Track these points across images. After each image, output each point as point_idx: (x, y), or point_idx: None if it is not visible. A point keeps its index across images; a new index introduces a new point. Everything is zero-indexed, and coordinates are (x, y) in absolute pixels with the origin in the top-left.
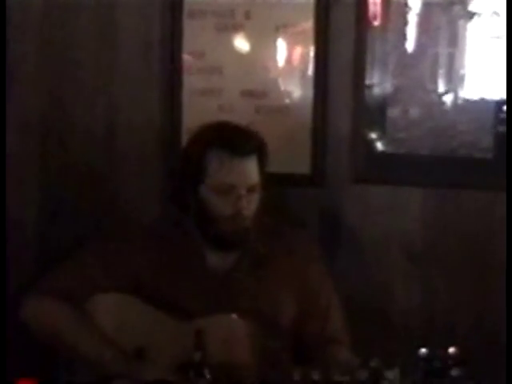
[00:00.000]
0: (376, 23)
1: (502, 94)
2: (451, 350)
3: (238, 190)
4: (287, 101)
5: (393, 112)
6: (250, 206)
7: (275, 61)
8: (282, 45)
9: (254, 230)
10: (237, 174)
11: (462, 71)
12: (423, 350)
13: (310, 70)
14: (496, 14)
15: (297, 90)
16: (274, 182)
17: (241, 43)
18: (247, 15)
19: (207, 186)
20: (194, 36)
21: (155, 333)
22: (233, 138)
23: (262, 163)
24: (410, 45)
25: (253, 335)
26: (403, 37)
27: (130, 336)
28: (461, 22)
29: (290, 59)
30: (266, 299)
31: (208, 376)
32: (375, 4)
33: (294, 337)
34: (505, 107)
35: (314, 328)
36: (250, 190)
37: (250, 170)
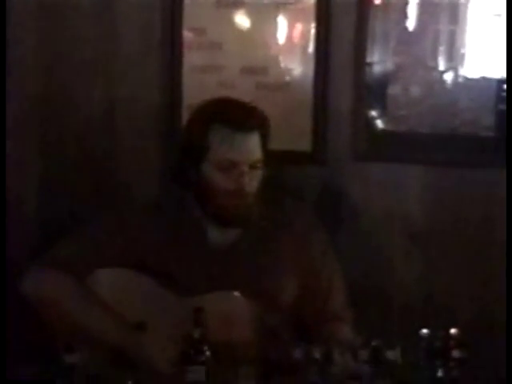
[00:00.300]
0: (377, 1)
1: (503, 72)
2: (452, 330)
3: (241, 167)
4: (288, 78)
5: (394, 90)
6: (253, 182)
7: (276, 37)
8: (282, 22)
9: (256, 207)
10: (239, 150)
11: (463, 49)
12: (424, 331)
13: (311, 47)
14: None
15: (297, 67)
16: (274, 160)
17: (241, 20)
18: None
19: (209, 163)
20: (195, 12)
21: (156, 308)
22: (235, 114)
23: (264, 140)
24: (410, 22)
25: (253, 312)
26: (404, 14)
27: (130, 311)
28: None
29: (290, 36)
30: (268, 276)
31: (208, 353)
32: None
33: (295, 314)
34: None
35: (315, 304)
36: (253, 166)
37: (253, 146)
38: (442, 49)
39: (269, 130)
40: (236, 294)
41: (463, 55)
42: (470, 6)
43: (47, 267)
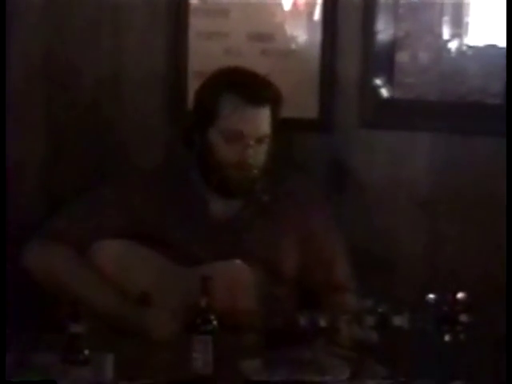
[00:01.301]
0: None
1: None
2: (460, 295)
3: (247, 139)
4: (294, 45)
5: (401, 57)
6: (258, 156)
7: (282, 4)
8: None
9: (260, 180)
10: (248, 122)
11: (470, 16)
12: (431, 296)
13: (318, 14)
14: None
15: (304, 33)
16: (280, 127)
17: None
18: None
19: (216, 130)
20: None
21: (160, 278)
22: (250, 86)
23: (274, 115)
24: None
25: (257, 281)
26: None
27: (134, 282)
28: None
29: (297, 3)
30: (270, 246)
31: (215, 322)
32: None
33: (299, 284)
34: None
35: (319, 275)
36: (259, 140)
37: (262, 120)
38: (450, 16)
39: (280, 106)
40: (239, 262)
41: (471, 23)
42: None
43: (46, 240)
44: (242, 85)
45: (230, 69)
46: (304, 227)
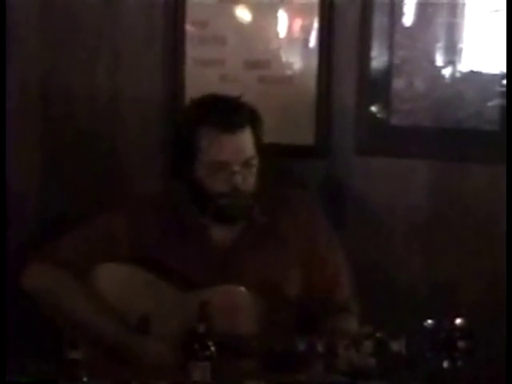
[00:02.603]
0: None
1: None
2: (458, 321)
3: (232, 167)
4: (290, 71)
5: (397, 83)
6: (247, 180)
7: (278, 31)
8: (285, 15)
9: (257, 204)
10: (229, 150)
11: (466, 42)
12: (429, 322)
13: (314, 41)
14: None
15: (300, 60)
16: (277, 153)
17: (244, 13)
18: None
19: (201, 163)
20: (197, 6)
21: (160, 303)
22: (222, 114)
23: (256, 134)
24: (414, 16)
25: (257, 306)
26: (407, 8)
27: (133, 306)
28: None
29: (293, 30)
30: (272, 270)
31: (212, 348)
32: None
33: (300, 306)
34: None
35: (321, 296)
36: (246, 164)
37: (243, 143)
38: (445, 43)
39: (260, 123)
40: (239, 287)
41: (467, 49)
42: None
43: (47, 263)
44: (215, 114)
45: (201, 99)
46: (306, 248)
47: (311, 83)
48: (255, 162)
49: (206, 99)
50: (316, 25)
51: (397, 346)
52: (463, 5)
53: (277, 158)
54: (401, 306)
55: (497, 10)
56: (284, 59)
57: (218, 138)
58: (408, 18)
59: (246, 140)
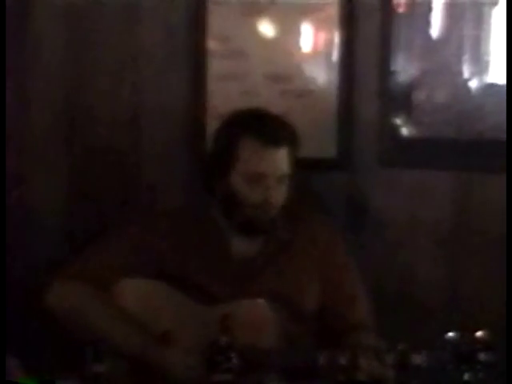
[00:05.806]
0: (401, 8)
1: None
2: (479, 333)
3: (268, 180)
4: (312, 85)
5: (418, 96)
6: (279, 196)
7: (300, 45)
8: (306, 29)
9: (281, 219)
10: (268, 163)
11: (488, 54)
12: (451, 334)
13: (335, 55)
14: None
15: (322, 74)
16: (299, 167)
17: (265, 27)
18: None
19: (238, 173)
20: (219, 20)
21: (181, 317)
22: (268, 128)
23: (292, 154)
24: (435, 28)
25: (278, 320)
26: (428, 20)
27: (156, 321)
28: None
29: (314, 44)
30: (291, 285)
31: (235, 360)
32: None
33: (319, 323)
34: None
35: (339, 312)
36: (280, 180)
37: (282, 160)
38: (466, 55)
39: (298, 146)
40: (260, 301)
41: (488, 60)
42: (494, 11)
43: (70, 279)
44: (260, 127)
45: (245, 111)
46: (324, 270)
47: (333, 96)
48: (287, 179)
49: (252, 111)
50: (337, 39)
51: (418, 359)
52: (482, 17)
53: (299, 171)
54: (422, 318)
55: None
56: (305, 73)
57: (260, 150)
58: (428, 30)
59: (284, 157)
